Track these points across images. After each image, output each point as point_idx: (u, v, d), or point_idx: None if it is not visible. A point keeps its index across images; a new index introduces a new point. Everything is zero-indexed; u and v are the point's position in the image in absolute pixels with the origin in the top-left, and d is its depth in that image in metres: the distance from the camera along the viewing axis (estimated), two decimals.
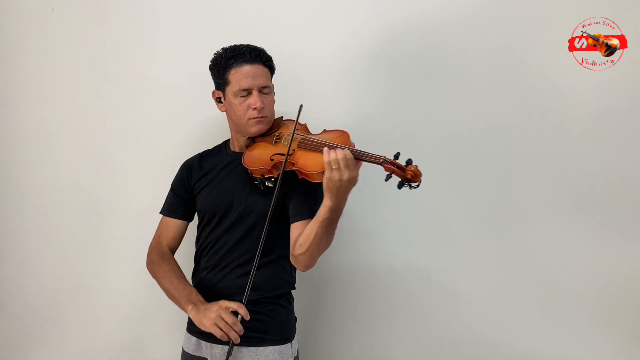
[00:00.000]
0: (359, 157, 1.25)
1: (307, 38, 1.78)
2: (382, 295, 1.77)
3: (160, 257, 1.52)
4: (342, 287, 1.80)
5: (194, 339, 1.48)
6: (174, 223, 1.56)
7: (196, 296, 1.39)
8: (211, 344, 1.43)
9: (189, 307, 1.36)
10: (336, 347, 1.81)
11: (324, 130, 1.43)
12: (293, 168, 1.33)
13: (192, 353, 1.48)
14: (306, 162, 1.31)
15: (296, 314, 1.54)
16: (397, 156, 1.24)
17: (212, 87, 1.52)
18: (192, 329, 1.48)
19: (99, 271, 1.91)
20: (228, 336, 1.27)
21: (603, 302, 1.67)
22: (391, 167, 1.22)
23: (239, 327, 1.28)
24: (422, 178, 1.21)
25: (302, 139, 1.37)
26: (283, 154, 1.34)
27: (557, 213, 1.68)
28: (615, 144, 1.64)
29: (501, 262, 1.72)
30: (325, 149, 1.23)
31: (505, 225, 1.72)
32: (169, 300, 1.46)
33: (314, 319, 1.78)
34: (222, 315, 1.28)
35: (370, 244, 1.77)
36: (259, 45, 1.48)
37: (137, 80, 1.87)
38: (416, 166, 1.21)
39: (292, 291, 1.53)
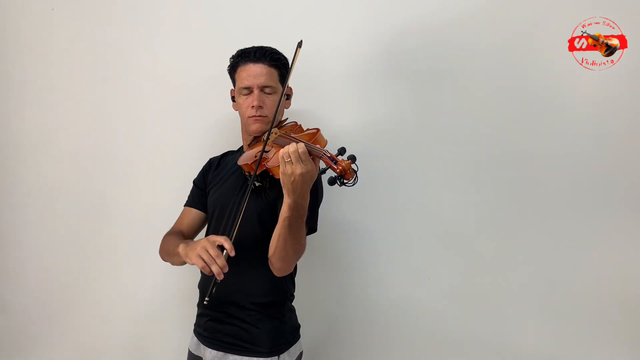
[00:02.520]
0: (310, 151, 1.20)
1: (307, 38, 1.77)
2: (382, 296, 1.77)
3: (168, 235, 1.53)
4: (342, 288, 1.80)
5: (195, 338, 1.50)
6: (191, 212, 1.57)
7: (189, 240, 1.38)
8: (204, 346, 1.45)
9: (180, 247, 1.33)
10: (337, 346, 1.81)
11: (307, 129, 1.42)
12: (268, 166, 1.31)
13: (193, 352, 1.50)
14: (272, 158, 1.29)
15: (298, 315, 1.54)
16: (341, 151, 1.19)
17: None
18: (196, 329, 1.51)
19: (103, 271, 1.91)
20: (210, 269, 1.22)
21: (603, 302, 1.66)
22: (328, 161, 1.17)
23: (222, 262, 1.22)
24: (358, 177, 1.15)
25: (278, 137, 1.36)
26: (265, 151, 1.33)
27: (557, 213, 1.68)
28: (615, 144, 1.64)
29: (501, 262, 1.72)
30: (285, 147, 1.20)
31: (504, 225, 1.71)
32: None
33: (314, 320, 1.78)
34: (207, 247, 1.23)
35: (369, 244, 1.77)
36: (266, 44, 1.48)
37: (138, 80, 1.88)
38: (349, 162, 1.15)
39: (292, 302, 1.51)
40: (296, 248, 1.30)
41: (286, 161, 1.17)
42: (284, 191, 1.21)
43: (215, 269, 1.22)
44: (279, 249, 1.30)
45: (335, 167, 1.15)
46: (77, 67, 1.90)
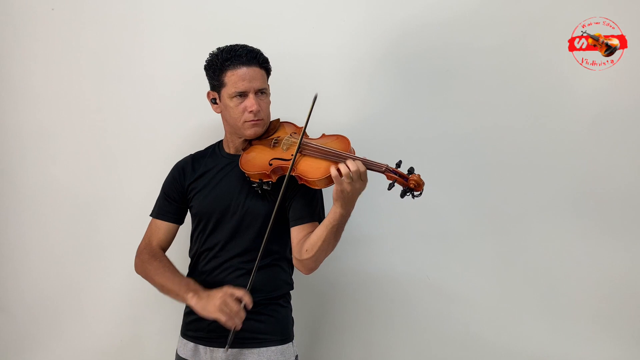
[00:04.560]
0: (370, 167, 1.26)
1: (307, 38, 1.78)
2: (382, 296, 1.77)
3: (152, 256, 1.51)
4: (343, 287, 1.80)
5: (190, 344, 1.47)
6: (165, 225, 1.55)
7: (194, 285, 1.39)
8: (211, 347, 1.42)
9: (190, 295, 1.34)
10: (337, 347, 1.81)
11: (323, 135, 1.42)
12: (293, 173, 1.33)
13: (189, 358, 1.46)
14: (306, 168, 1.31)
15: (298, 315, 1.54)
16: (399, 164, 1.25)
17: (208, 87, 1.52)
18: (189, 334, 1.48)
19: (96, 272, 1.90)
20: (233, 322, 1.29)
21: (603, 302, 1.67)
22: (394, 175, 1.23)
23: (242, 315, 1.30)
24: (425, 186, 1.22)
25: (304, 145, 1.36)
26: (282, 159, 1.35)
27: (557, 213, 1.68)
28: (615, 144, 1.64)
29: (501, 262, 1.72)
30: (342, 164, 1.23)
31: (504, 226, 1.71)
32: (165, 302, 1.45)
33: (315, 320, 1.79)
34: (227, 301, 1.29)
35: (369, 245, 1.77)
36: (258, 45, 1.47)
37: (136, 81, 1.87)
38: (419, 175, 1.23)
39: (291, 292, 1.53)
40: (334, 248, 1.35)
41: (347, 181, 1.21)
42: (337, 203, 1.26)
43: (237, 322, 1.30)
44: (321, 251, 1.32)
45: (407, 183, 1.22)
46: (75, 68, 1.90)
